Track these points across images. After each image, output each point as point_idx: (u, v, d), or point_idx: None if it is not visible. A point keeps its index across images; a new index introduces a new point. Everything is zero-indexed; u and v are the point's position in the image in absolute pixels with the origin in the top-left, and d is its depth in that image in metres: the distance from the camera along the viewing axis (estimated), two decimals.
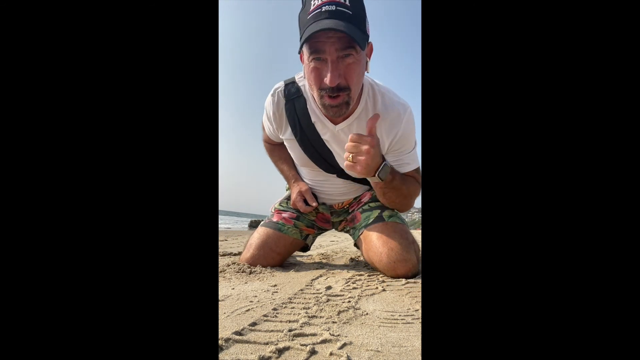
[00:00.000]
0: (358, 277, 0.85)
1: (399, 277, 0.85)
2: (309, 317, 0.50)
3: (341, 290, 0.69)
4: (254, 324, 0.46)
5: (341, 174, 0.99)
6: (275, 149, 1.12)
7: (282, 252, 1.02)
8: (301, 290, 0.69)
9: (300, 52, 0.77)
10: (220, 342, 0.39)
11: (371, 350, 0.39)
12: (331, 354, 0.37)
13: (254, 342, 0.40)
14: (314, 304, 0.58)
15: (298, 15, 0.75)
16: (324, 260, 1.26)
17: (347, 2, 0.69)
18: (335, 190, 1.06)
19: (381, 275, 0.89)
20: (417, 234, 1.79)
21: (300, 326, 0.46)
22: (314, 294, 0.66)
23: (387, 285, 0.76)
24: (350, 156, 0.74)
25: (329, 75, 0.71)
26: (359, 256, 1.40)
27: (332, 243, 2.39)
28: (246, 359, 0.36)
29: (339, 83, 0.73)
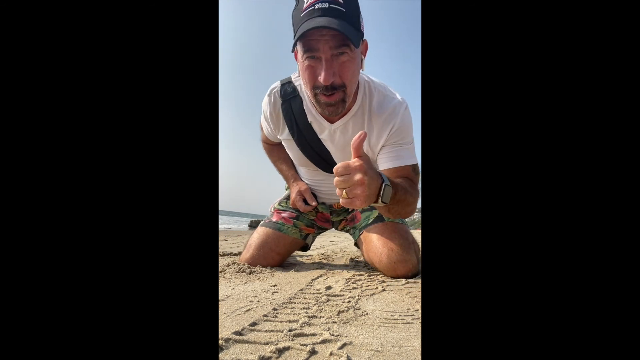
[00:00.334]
0: (358, 277, 0.85)
1: (399, 278, 0.85)
2: (309, 317, 0.50)
3: (341, 290, 0.69)
4: (254, 324, 0.46)
5: None
6: (274, 149, 1.12)
7: (281, 252, 1.02)
8: (301, 290, 0.69)
9: (293, 50, 0.76)
10: (220, 342, 0.39)
11: (371, 350, 0.39)
12: (331, 354, 0.37)
13: (254, 342, 0.40)
14: (314, 304, 0.58)
15: (292, 13, 0.75)
16: (324, 260, 1.26)
17: (341, 0, 0.69)
18: (334, 189, 1.06)
19: (381, 275, 0.89)
20: (417, 234, 1.79)
21: (300, 326, 0.46)
22: (314, 294, 0.66)
23: (387, 285, 0.76)
24: (344, 192, 0.60)
25: (323, 73, 0.71)
26: (359, 256, 1.40)
27: (332, 243, 2.39)
28: (246, 359, 0.36)
29: (334, 81, 0.72)
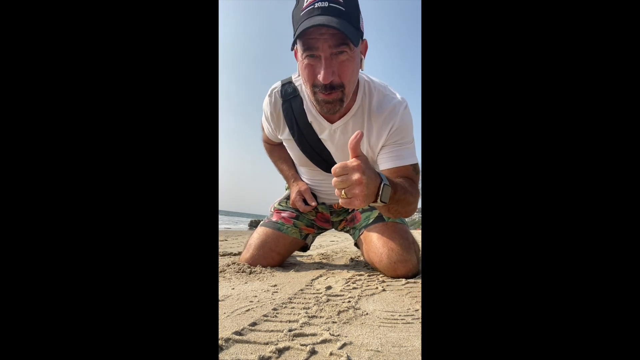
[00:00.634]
0: (358, 277, 0.85)
1: (399, 278, 0.85)
2: (309, 317, 0.50)
3: (341, 290, 0.69)
4: (254, 324, 0.46)
5: None
6: (275, 149, 1.12)
7: (281, 252, 1.02)
8: (301, 290, 0.69)
9: (292, 49, 0.76)
10: (220, 342, 0.39)
11: (371, 350, 0.39)
12: (331, 354, 0.37)
13: (254, 342, 0.40)
14: (314, 304, 0.58)
15: (292, 12, 0.75)
16: (324, 260, 1.26)
17: None
18: (334, 189, 1.06)
19: (381, 275, 0.89)
20: (417, 234, 1.79)
21: (300, 326, 0.46)
22: (314, 294, 0.66)
23: (387, 285, 0.76)
24: (343, 192, 0.60)
25: (322, 72, 0.71)
26: (359, 256, 1.40)
27: (332, 243, 2.39)
28: (246, 359, 0.36)
29: (332, 80, 0.72)
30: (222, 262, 1.02)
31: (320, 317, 0.51)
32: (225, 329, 0.43)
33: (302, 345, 0.39)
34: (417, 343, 0.41)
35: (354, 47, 0.71)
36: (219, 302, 0.57)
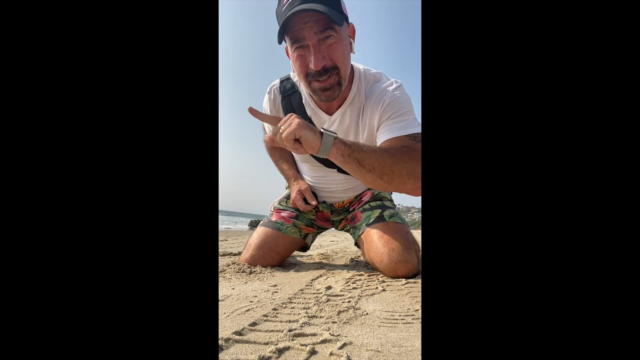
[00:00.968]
0: (358, 277, 0.85)
1: (399, 278, 0.85)
2: (309, 317, 0.50)
3: (341, 290, 0.69)
4: (254, 324, 0.46)
5: (340, 168, 0.99)
6: (276, 149, 1.12)
7: (281, 252, 1.02)
8: (301, 290, 0.69)
9: (280, 42, 0.76)
10: (220, 342, 0.39)
11: (371, 350, 0.39)
12: (331, 354, 0.37)
13: (254, 342, 0.40)
14: (314, 304, 0.58)
15: (275, 12, 0.76)
16: (324, 260, 1.26)
17: None
18: (335, 186, 1.06)
19: (381, 275, 0.89)
20: (417, 234, 1.79)
21: (300, 326, 0.46)
22: (314, 294, 0.66)
23: (387, 285, 0.76)
24: (281, 128, 0.67)
25: (312, 59, 0.71)
26: (359, 256, 1.40)
27: (332, 243, 2.39)
28: (246, 359, 0.36)
29: (325, 64, 0.72)
30: (222, 262, 1.02)
31: (320, 317, 0.51)
32: (225, 329, 0.43)
33: (302, 345, 0.39)
34: (417, 343, 0.41)
35: (340, 29, 0.71)
36: (219, 302, 0.57)
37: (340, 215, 1.11)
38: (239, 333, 0.42)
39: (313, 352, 0.38)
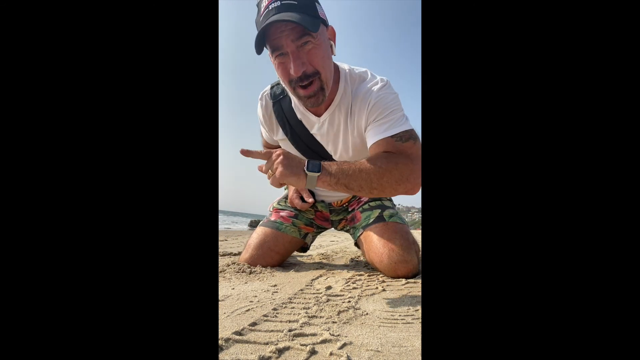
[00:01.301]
0: (358, 277, 0.85)
1: (399, 278, 0.85)
2: (309, 317, 0.50)
3: (341, 290, 0.69)
4: (254, 324, 0.46)
5: None
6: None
7: (281, 251, 1.02)
8: (301, 290, 0.69)
9: (259, 53, 0.76)
10: (220, 342, 0.39)
11: (371, 350, 0.39)
12: (331, 354, 0.37)
13: (254, 342, 0.40)
14: (314, 304, 0.58)
15: (255, 21, 0.77)
16: (324, 260, 1.26)
17: None
18: None
19: (381, 275, 0.89)
20: (417, 234, 1.79)
21: (300, 326, 0.46)
22: (314, 294, 0.66)
23: (387, 285, 0.76)
24: (269, 172, 0.70)
25: (291, 65, 0.72)
26: (359, 256, 1.40)
27: (332, 243, 2.39)
28: (246, 359, 0.36)
29: (305, 70, 0.73)
30: (222, 262, 1.02)
31: (320, 317, 0.51)
32: (225, 329, 0.43)
33: (302, 345, 0.39)
34: (417, 343, 0.41)
35: (317, 34, 0.72)
36: (219, 302, 0.57)
37: (340, 215, 1.12)
38: (239, 333, 0.42)
39: (313, 352, 0.38)
